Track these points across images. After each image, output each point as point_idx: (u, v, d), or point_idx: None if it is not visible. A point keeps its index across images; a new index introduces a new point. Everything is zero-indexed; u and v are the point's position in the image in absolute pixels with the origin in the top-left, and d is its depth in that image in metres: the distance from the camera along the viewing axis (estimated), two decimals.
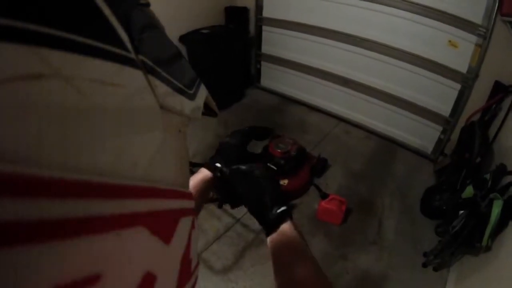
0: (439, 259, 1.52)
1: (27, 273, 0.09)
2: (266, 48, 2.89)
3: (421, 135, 2.34)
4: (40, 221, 0.09)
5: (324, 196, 1.73)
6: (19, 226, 0.09)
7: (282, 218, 0.41)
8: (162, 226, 0.18)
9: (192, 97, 0.27)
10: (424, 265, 1.55)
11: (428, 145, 2.34)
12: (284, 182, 1.86)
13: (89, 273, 0.11)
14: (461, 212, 1.40)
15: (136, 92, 0.17)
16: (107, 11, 0.14)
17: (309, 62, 2.64)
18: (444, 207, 1.68)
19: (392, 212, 1.85)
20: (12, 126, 0.09)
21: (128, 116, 0.16)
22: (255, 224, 1.60)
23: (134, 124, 0.16)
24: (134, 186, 0.15)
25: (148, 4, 0.23)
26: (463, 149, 1.69)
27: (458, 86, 1.99)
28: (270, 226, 0.41)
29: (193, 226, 0.25)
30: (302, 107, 2.78)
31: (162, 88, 0.20)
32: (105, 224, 0.12)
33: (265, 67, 3.00)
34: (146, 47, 0.18)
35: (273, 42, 2.80)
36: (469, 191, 1.45)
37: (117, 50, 0.15)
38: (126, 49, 0.16)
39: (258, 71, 3.05)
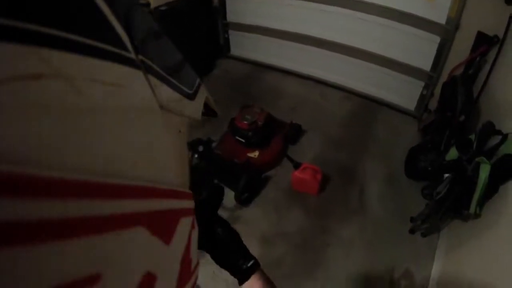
0: (427, 223, 1.38)
1: (27, 273, 0.09)
2: (232, 17, 2.72)
3: (403, 92, 2.17)
4: (40, 221, 0.09)
5: (296, 165, 1.61)
6: (19, 226, 0.09)
7: (252, 270, 0.45)
8: (162, 226, 0.18)
9: (192, 97, 0.27)
10: (412, 232, 1.42)
11: (410, 102, 2.16)
12: (254, 154, 1.73)
13: (89, 273, 0.11)
14: (446, 175, 1.25)
15: (136, 92, 0.17)
16: (107, 11, 0.14)
17: (278, 26, 2.48)
18: (430, 168, 1.54)
19: (374, 178, 1.70)
20: (12, 126, 0.09)
21: (128, 116, 0.16)
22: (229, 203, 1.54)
23: (134, 124, 0.16)
24: (134, 186, 0.15)
25: (148, 4, 0.23)
26: (445, 106, 1.53)
27: (437, 39, 1.86)
28: (241, 278, 0.45)
29: (193, 226, 0.25)
30: (276, 73, 2.62)
31: (162, 88, 0.20)
32: (105, 224, 0.12)
33: (234, 35, 2.83)
34: (146, 47, 0.18)
35: (239, 9, 2.64)
36: (453, 153, 1.29)
37: (117, 50, 0.15)
38: (126, 49, 0.16)
39: (227, 41, 2.89)
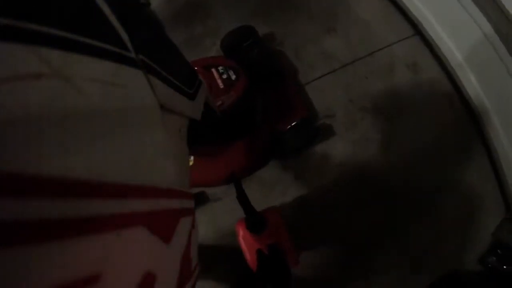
0: None
1: (27, 273, 0.09)
2: None
3: None
4: (40, 221, 0.09)
5: (253, 227, 0.55)
6: (19, 226, 0.09)
7: None
8: (162, 226, 0.18)
9: (192, 96, 0.27)
10: None
11: None
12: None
13: (89, 273, 0.11)
14: None
15: (136, 92, 0.17)
16: (107, 10, 0.14)
17: None
18: None
19: None
20: (12, 126, 0.09)
21: (128, 116, 0.16)
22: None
23: (134, 124, 0.16)
24: (134, 185, 0.15)
25: (148, 4, 0.23)
26: None
27: None
28: None
29: (193, 226, 0.25)
30: None
31: (162, 87, 0.20)
32: (105, 224, 0.12)
33: None
34: (146, 46, 0.18)
35: None
36: None
37: (117, 50, 0.15)
38: (126, 48, 0.16)
39: None
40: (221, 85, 0.58)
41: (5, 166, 0.09)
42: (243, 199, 0.56)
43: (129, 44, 0.16)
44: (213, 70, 0.60)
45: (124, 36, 0.16)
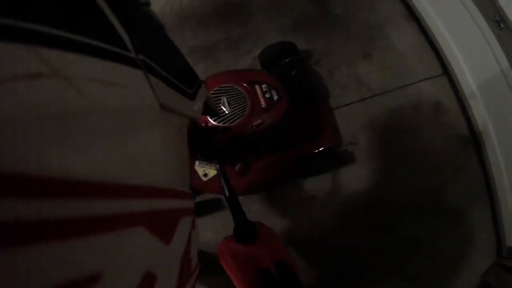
0: None
1: (28, 273, 0.09)
2: None
3: None
4: (40, 221, 0.09)
5: (241, 234, 0.46)
6: (19, 226, 0.09)
7: None
8: (162, 226, 0.18)
9: (192, 96, 0.27)
10: None
11: None
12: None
13: (89, 273, 0.11)
14: None
15: (136, 92, 0.17)
16: (107, 10, 0.14)
17: None
18: None
19: None
20: (12, 126, 0.09)
21: (128, 116, 0.16)
22: None
23: (134, 124, 0.16)
24: (134, 186, 0.15)
25: (148, 4, 0.23)
26: None
27: None
28: None
29: (193, 226, 0.25)
30: None
31: (162, 87, 0.20)
32: (105, 224, 0.12)
33: None
34: (146, 46, 0.18)
35: None
36: None
37: (117, 50, 0.15)
38: (126, 48, 0.16)
39: None
40: (263, 104, 0.59)
41: (5, 166, 0.08)
42: (232, 198, 0.49)
43: (129, 44, 0.16)
44: (257, 86, 0.60)
45: (124, 36, 0.16)
